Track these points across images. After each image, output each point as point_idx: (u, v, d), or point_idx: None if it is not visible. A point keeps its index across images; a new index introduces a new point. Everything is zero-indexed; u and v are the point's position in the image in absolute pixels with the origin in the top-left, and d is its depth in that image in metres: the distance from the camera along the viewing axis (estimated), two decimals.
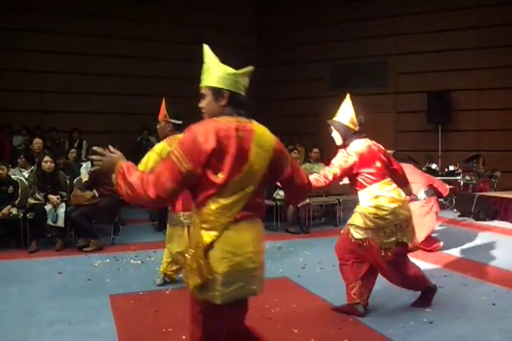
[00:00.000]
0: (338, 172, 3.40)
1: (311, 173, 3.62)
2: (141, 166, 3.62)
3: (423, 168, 8.94)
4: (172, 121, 4.13)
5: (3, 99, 9.52)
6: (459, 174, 8.64)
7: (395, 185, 3.52)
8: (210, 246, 1.92)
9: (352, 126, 3.57)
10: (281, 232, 6.70)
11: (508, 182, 8.66)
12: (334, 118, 3.64)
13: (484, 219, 7.43)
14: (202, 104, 2.13)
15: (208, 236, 1.92)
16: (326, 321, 3.39)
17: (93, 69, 10.13)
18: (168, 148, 3.70)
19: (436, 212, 5.46)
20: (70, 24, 9.91)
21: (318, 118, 10.97)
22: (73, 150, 8.14)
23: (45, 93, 10.05)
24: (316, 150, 7.94)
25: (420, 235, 5.00)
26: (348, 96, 3.67)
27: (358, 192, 3.53)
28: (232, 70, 2.13)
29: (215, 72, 2.12)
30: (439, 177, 8.63)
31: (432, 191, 5.37)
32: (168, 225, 4.25)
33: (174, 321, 3.36)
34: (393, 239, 3.36)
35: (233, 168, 1.94)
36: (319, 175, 3.43)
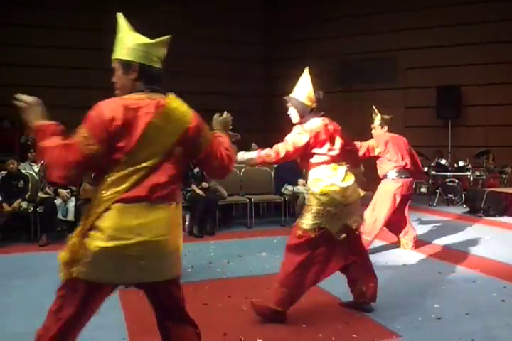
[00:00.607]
0: (291, 149, 3.23)
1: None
2: None
3: (432, 164, 8.91)
4: None
5: (11, 92, 9.57)
6: (468, 170, 8.57)
7: (343, 169, 3.31)
8: (93, 225, 1.86)
9: (309, 103, 3.41)
10: (290, 227, 6.65)
11: None
12: (291, 95, 3.46)
13: (494, 215, 7.38)
14: (114, 79, 2.00)
15: (93, 214, 1.86)
16: (333, 316, 3.39)
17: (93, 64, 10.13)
18: None
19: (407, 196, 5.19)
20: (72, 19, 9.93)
21: (327, 113, 10.96)
22: None
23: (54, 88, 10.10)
24: None
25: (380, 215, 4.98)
26: (306, 70, 3.49)
27: (309, 171, 3.37)
28: (143, 40, 1.97)
29: (125, 43, 1.96)
30: (449, 173, 8.61)
31: (406, 174, 5.19)
32: None
33: None
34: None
35: (131, 143, 1.84)
36: (271, 151, 3.27)
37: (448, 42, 9.69)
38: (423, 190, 9.27)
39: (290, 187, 6.91)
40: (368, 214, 4.91)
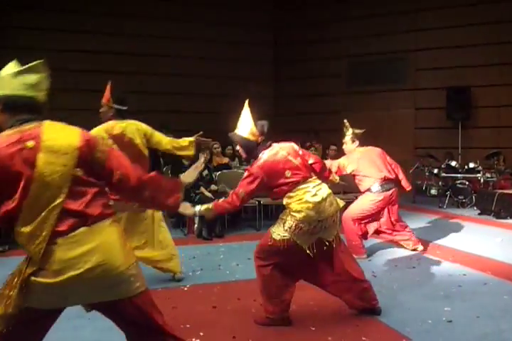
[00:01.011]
0: (244, 196, 3.17)
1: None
2: None
3: (443, 165, 8.85)
4: (115, 106, 3.99)
5: None
6: (479, 171, 8.50)
7: (313, 184, 3.24)
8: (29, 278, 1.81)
9: (253, 138, 3.30)
10: None
11: None
12: (235, 131, 3.38)
13: (505, 217, 7.31)
14: None
15: (30, 269, 1.81)
16: (343, 319, 3.38)
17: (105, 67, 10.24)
18: (103, 135, 3.72)
19: (393, 205, 5.13)
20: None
21: (337, 115, 10.93)
22: None
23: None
24: (333, 147, 7.92)
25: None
26: (246, 103, 3.37)
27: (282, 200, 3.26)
28: (8, 71, 1.88)
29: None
30: (460, 175, 8.54)
31: (390, 185, 5.07)
32: None
33: (191, 317, 3.40)
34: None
35: (22, 189, 1.74)
36: (226, 200, 3.22)
37: (458, 43, 9.63)
38: (433, 192, 9.20)
39: None
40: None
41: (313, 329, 3.20)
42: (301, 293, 3.89)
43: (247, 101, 3.38)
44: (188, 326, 3.24)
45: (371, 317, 3.37)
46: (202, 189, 6.28)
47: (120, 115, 4.02)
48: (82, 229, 1.83)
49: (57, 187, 1.81)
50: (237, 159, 8.60)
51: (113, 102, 4.01)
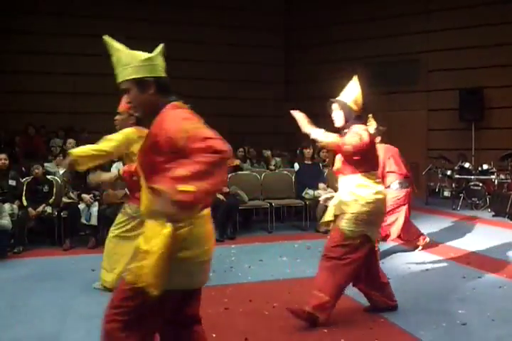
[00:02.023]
0: (364, 140, 3.14)
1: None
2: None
3: (456, 167, 8.77)
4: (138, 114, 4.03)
5: (35, 100, 9.81)
6: (493, 173, 8.41)
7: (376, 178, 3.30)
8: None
9: (355, 107, 3.30)
10: (311, 232, 6.67)
11: None
12: (337, 98, 3.37)
13: None
14: (129, 99, 2.00)
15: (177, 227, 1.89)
16: (356, 321, 3.36)
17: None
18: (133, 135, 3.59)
19: (408, 204, 5.20)
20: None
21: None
22: None
23: (76, 94, 10.30)
24: None
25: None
26: (355, 77, 3.40)
27: (347, 177, 3.27)
28: (144, 55, 1.97)
29: (128, 62, 1.94)
30: (473, 177, 8.46)
31: (407, 183, 5.12)
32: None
33: (204, 319, 3.27)
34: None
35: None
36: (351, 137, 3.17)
37: (470, 44, 9.55)
38: (446, 193, 9.12)
39: (311, 192, 6.87)
40: None
41: (326, 331, 3.18)
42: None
43: (355, 77, 3.39)
44: None
45: (384, 320, 3.35)
46: None
47: (139, 123, 3.83)
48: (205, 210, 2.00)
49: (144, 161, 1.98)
50: (248, 161, 8.62)
51: None
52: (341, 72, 11.31)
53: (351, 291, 3.94)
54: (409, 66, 10.55)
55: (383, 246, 5.47)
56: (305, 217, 6.86)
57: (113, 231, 3.98)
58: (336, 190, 6.85)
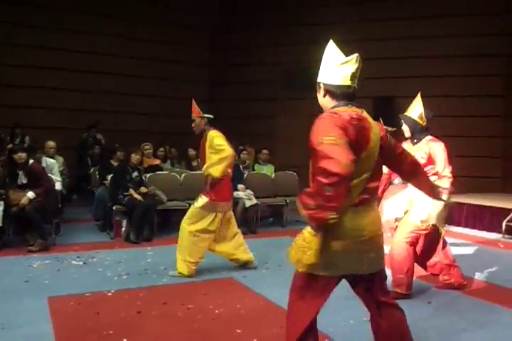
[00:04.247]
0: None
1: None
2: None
3: None
4: (206, 115, 4.54)
5: None
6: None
7: None
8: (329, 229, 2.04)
9: (420, 122, 3.96)
10: None
11: None
12: (405, 113, 4.06)
13: None
14: (318, 98, 2.27)
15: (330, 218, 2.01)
16: (269, 321, 3.42)
17: (43, 63, 9.77)
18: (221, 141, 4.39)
19: None
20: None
21: (272, 119, 11.10)
22: None
23: None
24: (265, 151, 8.02)
25: None
26: (418, 95, 4.05)
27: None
28: (335, 62, 2.21)
29: (323, 66, 2.26)
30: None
31: None
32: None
33: (115, 323, 3.30)
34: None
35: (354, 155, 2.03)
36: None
37: (386, 55, 10.04)
38: None
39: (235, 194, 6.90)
40: None
41: (239, 331, 3.21)
42: (229, 296, 3.92)
43: (419, 94, 4.06)
44: (110, 332, 3.14)
45: None
46: (131, 191, 6.11)
47: (210, 123, 4.59)
48: (366, 205, 2.17)
49: (370, 164, 2.15)
50: (169, 161, 8.49)
51: (203, 113, 4.54)
52: (264, 75, 11.58)
53: (264, 291, 4.03)
54: None
55: None
56: None
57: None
58: (254, 191, 7.00)
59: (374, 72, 10.02)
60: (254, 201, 6.89)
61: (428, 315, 3.54)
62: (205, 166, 4.50)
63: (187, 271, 4.44)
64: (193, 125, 4.59)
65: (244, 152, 8.39)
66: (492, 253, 5.77)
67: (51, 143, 7.09)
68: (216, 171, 4.36)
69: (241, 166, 7.69)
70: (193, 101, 4.61)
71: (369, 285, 2.28)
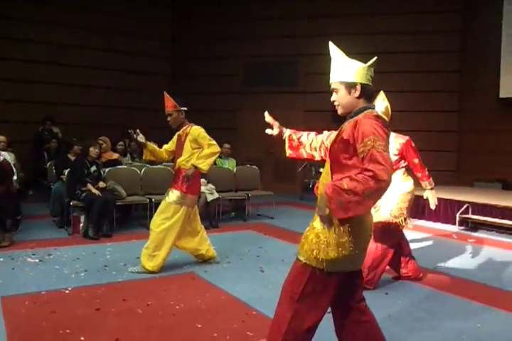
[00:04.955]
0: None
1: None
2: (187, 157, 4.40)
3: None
4: (182, 109, 4.46)
5: None
6: None
7: None
8: (352, 226, 2.11)
9: (385, 117, 3.86)
10: None
11: None
12: None
13: None
14: (335, 98, 2.31)
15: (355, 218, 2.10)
16: (230, 315, 3.43)
17: None
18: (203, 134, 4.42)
19: None
20: None
21: (232, 113, 11.08)
22: None
23: None
24: (227, 145, 7.99)
25: None
26: (381, 92, 4.05)
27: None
28: (362, 64, 2.25)
29: (346, 67, 2.27)
30: None
31: None
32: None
33: (72, 322, 3.22)
34: None
35: None
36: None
37: (345, 51, 10.17)
38: None
39: None
40: None
41: (200, 326, 3.20)
42: (190, 291, 3.91)
43: (382, 92, 4.08)
44: (67, 331, 3.06)
45: (257, 312, 3.45)
46: (89, 186, 5.97)
47: (186, 116, 4.53)
48: None
49: None
50: (129, 155, 8.33)
51: (180, 106, 4.43)
52: (226, 69, 11.53)
53: (225, 285, 4.03)
54: (289, 68, 11.00)
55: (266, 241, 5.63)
56: None
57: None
58: (216, 185, 6.98)
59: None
60: (216, 195, 6.87)
61: (386, 306, 3.64)
62: (181, 160, 4.44)
63: (152, 266, 4.39)
64: (168, 119, 4.49)
65: None
66: (446, 245, 5.97)
67: (1, 137, 6.85)
68: (206, 165, 4.41)
69: None
70: (167, 95, 4.48)
71: (356, 281, 2.32)
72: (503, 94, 8.82)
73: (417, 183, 4.31)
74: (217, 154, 4.61)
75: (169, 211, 4.42)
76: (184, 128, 4.50)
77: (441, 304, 3.72)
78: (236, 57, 11.16)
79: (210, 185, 6.98)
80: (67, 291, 3.84)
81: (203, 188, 6.81)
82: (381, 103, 4.01)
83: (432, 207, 4.39)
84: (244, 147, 10.45)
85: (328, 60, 2.39)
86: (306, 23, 10.68)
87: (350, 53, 2.33)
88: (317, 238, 2.16)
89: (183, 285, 4.10)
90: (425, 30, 9.90)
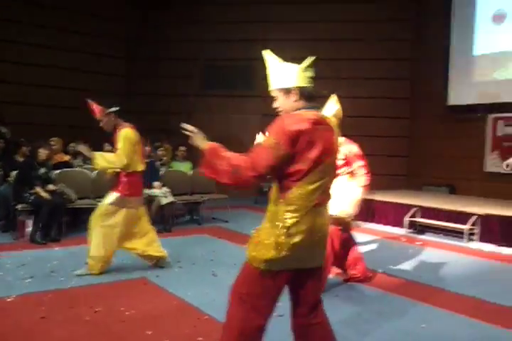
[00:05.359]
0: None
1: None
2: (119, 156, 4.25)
3: None
4: (112, 110, 4.35)
5: None
6: None
7: None
8: (290, 226, 2.12)
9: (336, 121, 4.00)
10: None
11: None
12: None
13: None
14: (276, 105, 2.33)
15: (291, 217, 2.13)
16: (181, 320, 3.39)
17: None
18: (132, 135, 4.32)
19: None
20: None
21: (190, 116, 10.98)
22: None
23: None
24: (182, 148, 7.92)
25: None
26: (332, 96, 4.08)
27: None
28: (297, 66, 2.27)
29: (281, 73, 2.28)
30: None
31: None
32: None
33: (16, 331, 3.10)
34: None
35: (318, 158, 2.13)
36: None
37: (299, 56, 10.23)
38: None
39: (145, 190, 6.74)
40: None
41: (150, 333, 3.15)
42: (141, 297, 3.85)
43: (333, 96, 4.07)
44: None
45: (209, 317, 3.43)
46: (38, 189, 5.77)
47: (118, 115, 4.43)
48: (321, 206, 2.22)
49: (333, 167, 2.30)
50: (80, 157, 8.11)
51: (108, 109, 4.34)
52: (183, 71, 11.43)
53: (177, 290, 3.99)
54: (246, 71, 11.02)
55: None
56: None
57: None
58: (171, 188, 6.90)
59: None
60: (171, 199, 6.79)
61: (335, 308, 3.70)
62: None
63: (97, 268, 4.32)
64: (101, 125, 4.38)
65: (161, 148, 8.23)
66: (395, 247, 6.15)
67: None
68: (98, 165, 4.35)
69: (157, 163, 7.55)
70: (90, 102, 4.37)
71: (308, 281, 2.31)
72: (451, 101, 9.19)
73: (371, 186, 4.40)
74: (118, 166, 4.31)
75: (107, 213, 4.36)
76: (118, 129, 4.38)
77: (389, 305, 3.83)
78: (193, 59, 11.09)
79: (165, 188, 6.90)
80: (9, 299, 3.69)
81: (157, 191, 6.73)
82: (333, 106, 4.08)
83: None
84: (200, 150, 10.38)
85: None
86: (260, 27, 10.75)
87: (302, 59, 2.36)
88: (258, 238, 2.21)
89: (133, 290, 4.03)
90: (379, 38, 10.17)
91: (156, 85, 11.18)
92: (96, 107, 4.35)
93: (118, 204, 4.35)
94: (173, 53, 11.19)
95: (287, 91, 2.27)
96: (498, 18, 8.56)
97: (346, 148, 4.14)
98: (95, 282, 4.21)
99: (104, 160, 4.32)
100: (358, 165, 4.16)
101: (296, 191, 2.14)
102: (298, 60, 2.38)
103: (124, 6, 11.46)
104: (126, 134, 4.32)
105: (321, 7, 10.48)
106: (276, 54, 2.41)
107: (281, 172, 2.15)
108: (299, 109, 2.24)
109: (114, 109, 4.36)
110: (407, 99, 10.29)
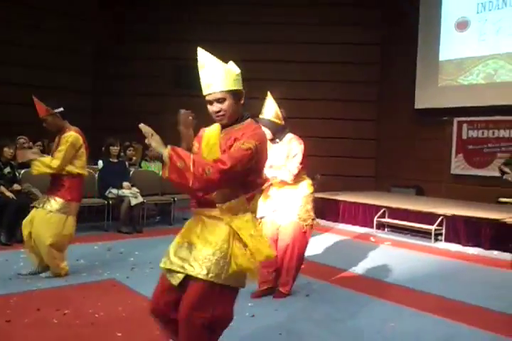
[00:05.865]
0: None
1: None
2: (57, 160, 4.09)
3: None
4: (57, 111, 4.15)
5: None
6: None
7: None
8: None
9: (278, 121, 3.89)
10: (113, 232, 6.47)
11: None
12: (260, 116, 3.84)
13: None
14: (223, 107, 2.14)
15: (247, 228, 2.14)
16: (152, 322, 3.32)
17: None
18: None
19: None
20: None
21: (161, 116, 10.85)
22: None
23: None
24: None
25: None
26: (269, 94, 3.94)
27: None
28: (238, 69, 2.18)
29: (228, 74, 2.13)
30: None
31: None
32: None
33: None
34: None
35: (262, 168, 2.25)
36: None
37: (263, 58, 10.21)
38: None
39: (115, 191, 6.67)
40: None
41: (120, 335, 3.10)
42: (110, 299, 3.79)
43: (269, 93, 3.93)
44: None
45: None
46: (2, 188, 5.60)
47: (64, 117, 4.23)
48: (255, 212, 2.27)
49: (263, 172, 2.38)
50: (47, 156, 7.91)
51: (53, 109, 4.14)
52: (154, 70, 11.29)
53: (148, 291, 3.93)
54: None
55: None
56: (107, 217, 6.61)
57: None
58: (141, 188, 6.82)
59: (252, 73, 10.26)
60: (140, 199, 6.72)
61: (306, 307, 3.74)
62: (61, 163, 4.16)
63: (59, 271, 4.24)
64: (44, 125, 4.17)
65: (130, 148, 8.13)
66: (364, 247, 6.24)
67: None
68: (36, 170, 4.15)
69: (127, 163, 7.45)
70: (35, 99, 4.13)
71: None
72: (418, 105, 9.41)
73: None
74: (52, 171, 4.16)
75: (55, 222, 4.17)
76: (63, 131, 4.21)
77: (359, 305, 3.88)
78: (165, 58, 10.98)
79: (135, 189, 6.82)
80: None
81: (126, 192, 6.65)
82: (271, 107, 3.90)
83: None
84: (157, 153, 10.23)
85: (253, 66, 2.40)
86: (237, 28, 10.73)
87: (268, 61, 2.34)
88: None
89: (103, 292, 3.97)
90: (347, 43, 10.29)
91: (124, 84, 11.00)
92: (39, 106, 4.11)
93: (64, 211, 4.20)
94: (143, 52, 11.03)
95: (238, 93, 2.14)
96: (462, 25, 8.83)
97: (290, 145, 3.95)
98: (63, 284, 4.12)
99: (42, 165, 4.12)
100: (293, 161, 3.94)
101: (255, 200, 2.26)
102: (259, 61, 2.35)
103: (103, 3, 11.26)
104: (70, 138, 4.14)
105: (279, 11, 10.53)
106: (244, 56, 2.35)
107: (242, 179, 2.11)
108: (244, 116, 2.19)
109: (59, 109, 4.14)
110: (375, 101, 10.46)
